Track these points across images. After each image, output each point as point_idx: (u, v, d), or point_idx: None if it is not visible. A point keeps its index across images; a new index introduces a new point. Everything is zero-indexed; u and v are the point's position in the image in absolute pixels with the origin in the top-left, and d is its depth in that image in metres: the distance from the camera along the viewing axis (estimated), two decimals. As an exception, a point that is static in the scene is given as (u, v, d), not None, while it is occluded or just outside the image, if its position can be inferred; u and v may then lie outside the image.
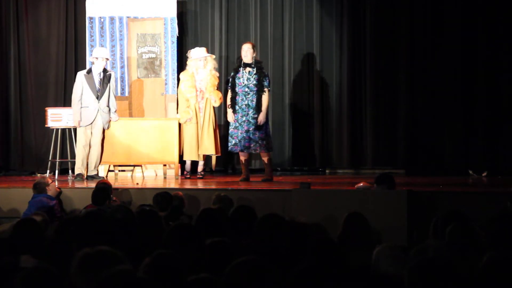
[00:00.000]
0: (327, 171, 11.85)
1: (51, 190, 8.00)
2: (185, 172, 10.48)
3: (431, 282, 2.96)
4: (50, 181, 8.19)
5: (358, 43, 11.65)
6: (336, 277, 3.21)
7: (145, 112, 11.40)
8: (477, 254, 3.98)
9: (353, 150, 11.62)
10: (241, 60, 9.91)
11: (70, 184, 9.74)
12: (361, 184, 7.83)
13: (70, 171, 10.86)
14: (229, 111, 9.90)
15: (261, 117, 9.74)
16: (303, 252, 4.18)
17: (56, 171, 10.75)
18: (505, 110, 11.13)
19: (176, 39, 11.46)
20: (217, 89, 10.40)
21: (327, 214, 6.93)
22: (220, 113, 11.55)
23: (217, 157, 10.76)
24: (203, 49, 10.52)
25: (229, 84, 9.99)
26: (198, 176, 10.43)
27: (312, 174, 11.46)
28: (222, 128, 11.61)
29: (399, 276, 3.87)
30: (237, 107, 9.81)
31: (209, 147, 10.29)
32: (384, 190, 7.31)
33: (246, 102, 9.77)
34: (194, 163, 10.52)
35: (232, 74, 10.00)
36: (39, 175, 11.26)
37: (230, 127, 9.94)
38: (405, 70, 11.46)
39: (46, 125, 10.75)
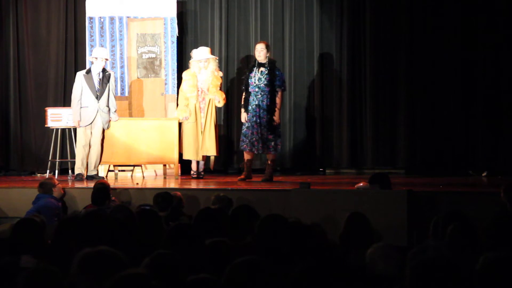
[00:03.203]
0: (327, 171, 11.85)
1: (57, 192, 7.96)
2: (191, 172, 10.46)
3: (431, 282, 2.96)
4: (57, 182, 8.14)
5: (358, 43, 11.64)
6: (336, 278, 3.20)
7: (145, 112, 11.40)
8: (477, 254, 3.98)
9: (353, 150, 11.61)
10: (256, 60, 9.90)
11: (70, 184, 9.74)
12: (361, 184, 7.82)
13: (70, 171, 10.86)
14: (242, 111, 9.90)
15: (275, 118, 9.73)
16: (303, 252, 4.18)
17: (56, 171, 10.75)
18: (505, 110, 11.12)
19: (176, 39, 11.45)
20: (220, 89, 10.39)
21: (327, 214, 6.93)
22: (220, 113, 11.55)
23: (216, 157, 10.76)
24: (207, 50, 10.45)
25: (243, 84, 9.99)
26: (198, 176, 10.42)
27: (312, 174, 11.44)
28: (222, 128, 11.61)
29: (394, 276, 3.87)
30: (249, 107, 9.80)
31: (210, 149, 10.28)
32: (378, 189, 7.30)
33: (256, 103, 9.75)
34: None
35: (246, 74, 10.00)
36: (39, 175, 11.28)
37: (243, 126, 9.92)
38: (405, 70, 11.45)
39: (46, 125, 10.76)
